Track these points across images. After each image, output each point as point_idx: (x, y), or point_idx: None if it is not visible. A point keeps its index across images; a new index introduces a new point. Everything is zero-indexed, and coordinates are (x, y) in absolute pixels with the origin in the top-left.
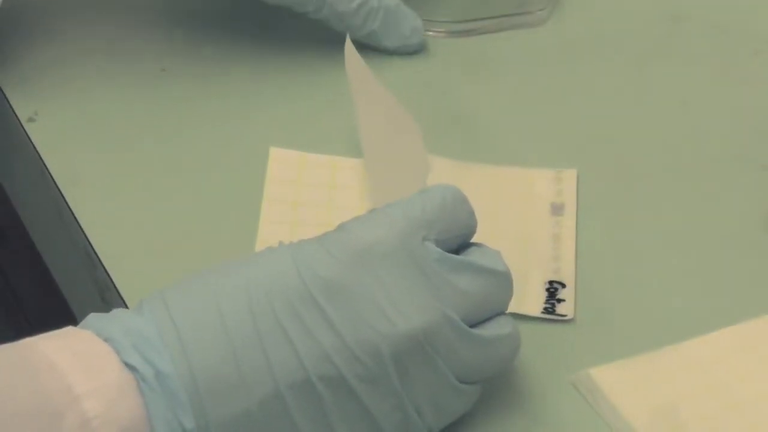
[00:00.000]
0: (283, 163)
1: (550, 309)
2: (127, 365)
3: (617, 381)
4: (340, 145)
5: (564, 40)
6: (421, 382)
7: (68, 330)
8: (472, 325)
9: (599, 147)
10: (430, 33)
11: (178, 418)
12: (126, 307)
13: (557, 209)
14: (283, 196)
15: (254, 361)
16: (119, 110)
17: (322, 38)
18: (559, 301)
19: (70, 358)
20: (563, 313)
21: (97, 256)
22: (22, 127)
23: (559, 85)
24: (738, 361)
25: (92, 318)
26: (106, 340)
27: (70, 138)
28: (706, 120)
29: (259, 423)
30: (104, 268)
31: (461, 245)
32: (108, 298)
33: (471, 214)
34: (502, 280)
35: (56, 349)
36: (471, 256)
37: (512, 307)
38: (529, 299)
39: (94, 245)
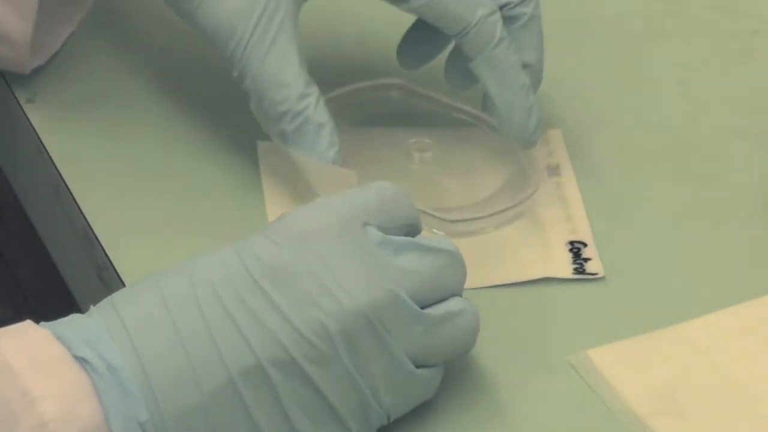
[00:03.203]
0: (272, 155)
1: (580, 269)
2: (79, 358)
3: (615, 362)
4: None
5: (561, 20)
6: (373, 362)
7: (25, 327)
8: (425, 306)
9: (596, 128)
10: None
11: (133, 411)
12: (124, 287)
13: (553, 170)
14: (280, 186)
15: (204, 350)
16: (117, 91)
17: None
18: (586, 260)
19: (26, 360)
20: (594, 271)
21: (96, 236)
22: (21, 108)
23: (555, 65)
24: (736, 342)
25: (45, 324)
26: (57, 338)
27: (68, 119)
28: (704, 100)
29: (214, 413)
30: (102, 248)
31: (407, 235)
32: (106, 278)
33: (413, 208)
34: (451, 260)
35: (12, 350)
36: (417, 239)
37: (542, 272)
38: (556, 262)
39: (92, 225)
